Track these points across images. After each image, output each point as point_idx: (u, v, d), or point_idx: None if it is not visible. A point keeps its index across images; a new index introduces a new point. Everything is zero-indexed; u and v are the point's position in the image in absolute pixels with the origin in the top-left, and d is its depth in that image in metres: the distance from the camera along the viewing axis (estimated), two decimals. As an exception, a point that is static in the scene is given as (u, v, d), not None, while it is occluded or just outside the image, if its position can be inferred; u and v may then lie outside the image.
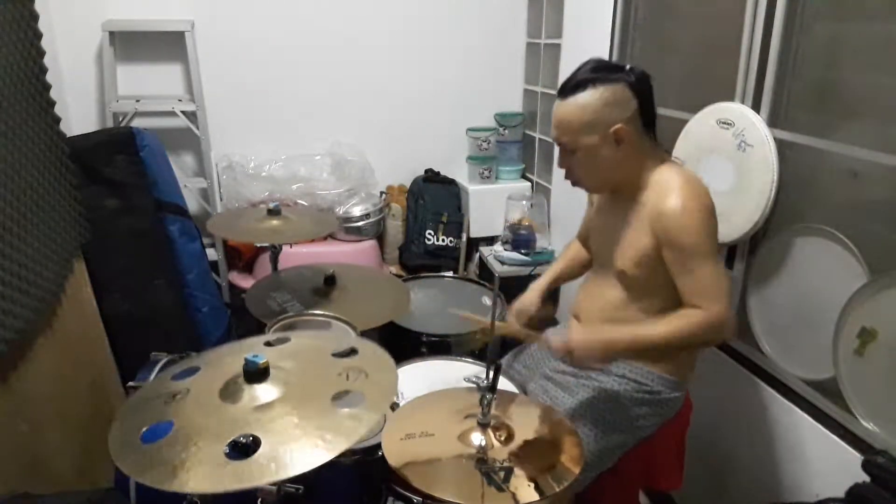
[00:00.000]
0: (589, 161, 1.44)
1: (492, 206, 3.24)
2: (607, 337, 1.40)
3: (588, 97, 1.38)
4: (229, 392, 1.02)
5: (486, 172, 3.30)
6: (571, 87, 1.41)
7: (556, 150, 1.52)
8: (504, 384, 1.57)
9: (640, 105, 1.41)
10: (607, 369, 1.55)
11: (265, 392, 1.02)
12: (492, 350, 1.37)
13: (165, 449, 0.92)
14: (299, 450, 0.91)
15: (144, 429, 0.96)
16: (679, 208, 1.35)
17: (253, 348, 1.08)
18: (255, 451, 0.90)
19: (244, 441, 0.93)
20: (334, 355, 1.13)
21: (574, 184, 1.52)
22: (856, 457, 1.42)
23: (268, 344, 1.15)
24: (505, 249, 3.04)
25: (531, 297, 1.73)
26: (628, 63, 1.47)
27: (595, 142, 1.41)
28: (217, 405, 1.00)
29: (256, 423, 0.96)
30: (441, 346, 1.88)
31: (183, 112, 2.79)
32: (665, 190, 1.39)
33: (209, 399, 1.02)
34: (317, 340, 1.24)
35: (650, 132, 1.46)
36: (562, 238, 3.03)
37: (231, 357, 1.11)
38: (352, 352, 1.15)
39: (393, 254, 3.32)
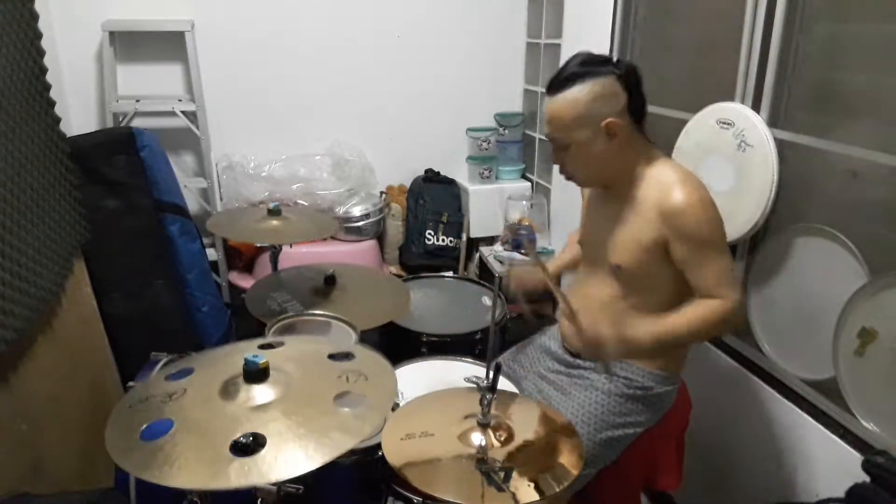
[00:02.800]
0: (582, 156, 1.44)
1: (492, 206, 3.24)
2: (632, 334, 1.37)
3: (578, 92, 1.38)
4: (229, 392, 1.02)
5: (486, 172, 3.29)
6: (560, 82, 1.40)
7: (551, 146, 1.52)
8: (504, 384, 1.57)
9: (629, 98, 1.40)
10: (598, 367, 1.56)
11: (266, 392, 1.01)
12: (492, 350, 1.37)
13: (167, 446, 0.92)
14: (303, 448, 0.91)
15: (144, 426, 0.97)
16: (691, 203, 1.35)
17: (248, 351, 1.08)
18: (257, 450, 0.91)
19: (245, 441, 0.93)
20: (331, 357, 1.14)
21: (568, 178, 1.52)
22: (856, 457, 1.42)
23: (264, 347, 1.15)
24: (505, 249, 3.04)
25: (535, 273, 1.69)
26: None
27: (587, 136, 1.40)
28: (217, 404, 1.00)
29: (258, 422, 0.96)
30: (441, 346, 1.88)
31: (183, 112, 2.79)
32: (666, 185, 1.39)
33: (209, 398, 1.02)
34: (312, 345, 1.24)
35: (640, 126, 1.45)
36: (561, 238, 3.02)
37: (227, 359, 1.11)
38: (348, 356, 1.15)
39: (393, 254, 3.31)
